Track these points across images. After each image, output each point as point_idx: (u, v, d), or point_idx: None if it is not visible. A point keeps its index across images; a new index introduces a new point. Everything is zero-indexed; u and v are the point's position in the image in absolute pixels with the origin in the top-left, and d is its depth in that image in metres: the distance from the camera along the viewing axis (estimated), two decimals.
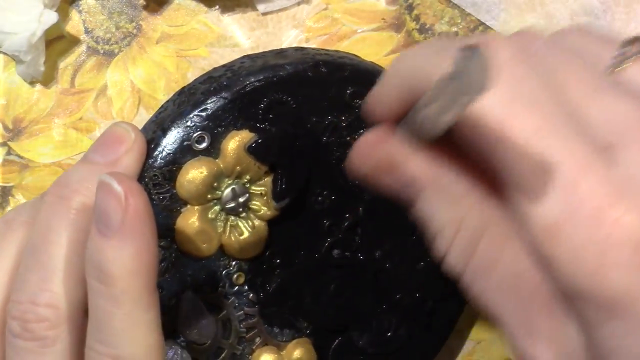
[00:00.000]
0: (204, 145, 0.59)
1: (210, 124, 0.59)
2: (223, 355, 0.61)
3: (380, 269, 0.62)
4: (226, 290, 0.60)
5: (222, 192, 0.59)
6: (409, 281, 0.62)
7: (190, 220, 0.59)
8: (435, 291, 0.62)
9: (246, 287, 0.61)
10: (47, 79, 0.63)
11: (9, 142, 0.63)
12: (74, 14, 0.63)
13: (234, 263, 0.60)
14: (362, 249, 0.62)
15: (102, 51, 0.64)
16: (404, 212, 0.58)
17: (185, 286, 0.60)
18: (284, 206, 0.59)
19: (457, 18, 0.64)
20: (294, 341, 0.61)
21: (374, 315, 0.62)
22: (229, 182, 0.59)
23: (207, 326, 0.60)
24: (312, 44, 0.64)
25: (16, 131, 0.63)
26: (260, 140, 0.58)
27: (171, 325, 0.60)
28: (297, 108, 0.60)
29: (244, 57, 0.62)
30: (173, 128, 0.59)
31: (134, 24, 0.64)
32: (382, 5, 0.64)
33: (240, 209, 0.59)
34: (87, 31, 0.63)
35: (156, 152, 0.59)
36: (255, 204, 0.59)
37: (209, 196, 0.59)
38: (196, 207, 0.59)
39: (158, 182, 0.59)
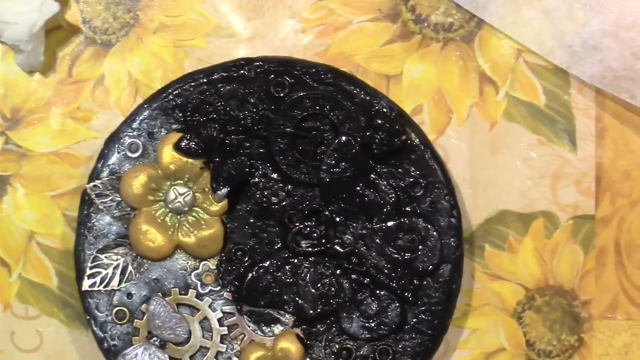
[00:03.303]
0: (138, 152, 0.59)
1: (142, 132, 0.59)
2: (208, 354, 0.59)
3: (353, 252, 0.59)
4: (198, 291, 0.59)
5: (165, 193, 0.58)
6: (387, 261, 0.59)
7: (135, 223, 0.58)
8: (418, 269, 0.58)
9: (218, 287, 0.59)
10: (45, 68, 0.60)
11: (6, 131, 0.60)
12: (72, 4, 0.60)
13: (200, 264, 0.59)
14: (330, 235, 0.59)
15: (99, 41, 0.60)
16: (363, 192, 0.58)
17: (153, 290, 0.59)
18: (225, 197, 0.58)
19: (452, 9, 0.61)
20: (279, 334, 0.58)
21: (358, 299, 0.59)
22: (170, 183, 0.58)
23: (179, 325, 0.58)
24: (309, 35, 0.61)
25: (14, 120, 0.60)
26: (187, 138, 0.58)
27: (146, 327, 0.58)
28: (224, 106, 0.59)
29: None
30: (111, 143, 0.59)
31: (131, 14, 0.61)
32: None
33: (187, 208, 0.58)
34: (84, 21, 0.60)
35: (99, 165, 0.58)
36: (201, 200, 0.58)
37: (150, 198, 0.58)
38: (142, 211, 0.58)
39: (100, 193, 0.58)
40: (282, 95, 0.58)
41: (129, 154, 0.58)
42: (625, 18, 0.59)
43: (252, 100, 0.58)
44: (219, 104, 0.58)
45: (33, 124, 0.60)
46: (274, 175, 0.58)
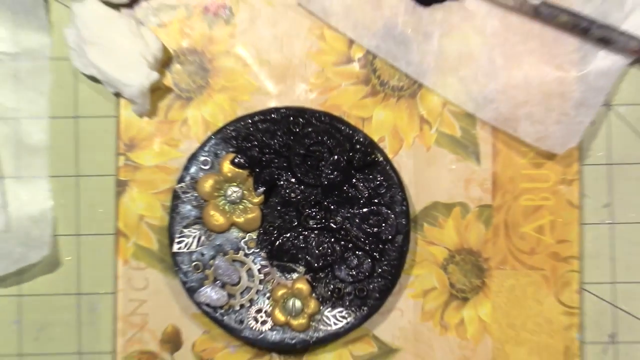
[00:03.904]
0: (209, 166, 0.61)
1: (210, 153, 0.61)
2: (251, 291, 0.61)
3: (342, 227, 0.61)
4: (245, 252, 0.61)
5: (225, 191, 0.61)
6: (363, 234, 0.61)
7: (206, 210, 0.61)
8: (382, 238, 0.61)
9: (258, 249, 0.61)
10: (150, 113, 0.63)
11: (127, 153, 0.62)
12: (167, 74, 0.63)
13: (247, 235, 0.61)
14: (327, 217, 0.61)
15: (184, 97, 0.63)
16: (348, 190, 0.61)
17: (217, 251, 0.61)
18: (262, 193, 0.60)
19: (403, 77, 0.63)
20: (296, 279, 0.61)
21: (345, 257, 0.61)
22: (228, 185, 0.61)
23: (233, 273, 0.61)
24: (314, 93, 0.62)
25: (131, 146, 0.63)
26: (238, 156, 0.61)
27: (213, 275, 0.61)
28: (261, 137, 0.61)
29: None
30: (192, 160, 0.62)
31: (205, 80, 0.63)
32: (356, 69, 0.63)
33: (238, 200, 0.61)
34: (175, 84, 0.63)
35: (183, 174, 0.61)
36: (247, 195, 0.61)
37: (215, 194, 0.61)
38: (210, 202, 0.61)
39: (185, 190, 0.61)
40: (297, 130, 0.61)
41: (202, 167, 0.61)
42: (509, 82, 0.62)
43: (279, 133, 0.61)
44: (259, 135, 0.61)
45: (142, 148, 0.62)
46: (293, 180, 0.61)
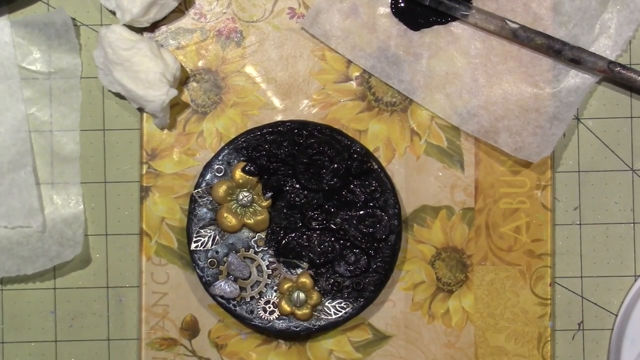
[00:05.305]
0: (222, 173, 0.62)
1: (224, 162, 0.62)
2: (260, 285, 0.62)
3: (341, 228, 0.62)
4: (255, 250, 0.62)
5: (237, 195, 0.62)
6: (360, 234, 0.62)
7: (220, 213, 0.62)
8: (377, 237, 0.62)
9: (266, 247, 0.62)
10: (170, 126, 0.64)
11: (149, 161, 0.63)
12: (184, 90, 0.64)
13: (256, 235, 0.62)
14: (328, 219, 0.62)
15: (200, 111, 0.64)
16: (346, 195, 0.62)
17: (230, 249, 0.62)
18: (269, 198, 0.62)
19: (395, 93, 0.64)
20: (300, 273, 0.62)
21: (344, 254, 0.62)
22: (239, 190, 0.62)
23: (244, 268, 0.62)
24: (316, 108, 0.63)
25: (153, 155, 0.63)
26: (249, 165, 0.62)
27: (226, 270, 0.62)
28: (269, 147, 0.62)
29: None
30: (207, 168, 0.63)
31: (218, 96, 0.64)
32: (354, 86, 0.64)
33: (249, 203, 0.62)
34: (192, 100, 0.64)
35: (200, 180, 0.63)
36: (256, 199, 0.62)
37: (228, 198, 0.62)
38: (224, 205, 0.62)
39: (201, 195, 0.62)
40: (301, 141, 0.62)
41: (217, 174, 0.62)
42: (491, 98, 0.63)
43: (285, 144, 0.62)
44: (267, 146, 0.62)
45: (163, 157, 0.63)
46: (297, 186, 0.62)
